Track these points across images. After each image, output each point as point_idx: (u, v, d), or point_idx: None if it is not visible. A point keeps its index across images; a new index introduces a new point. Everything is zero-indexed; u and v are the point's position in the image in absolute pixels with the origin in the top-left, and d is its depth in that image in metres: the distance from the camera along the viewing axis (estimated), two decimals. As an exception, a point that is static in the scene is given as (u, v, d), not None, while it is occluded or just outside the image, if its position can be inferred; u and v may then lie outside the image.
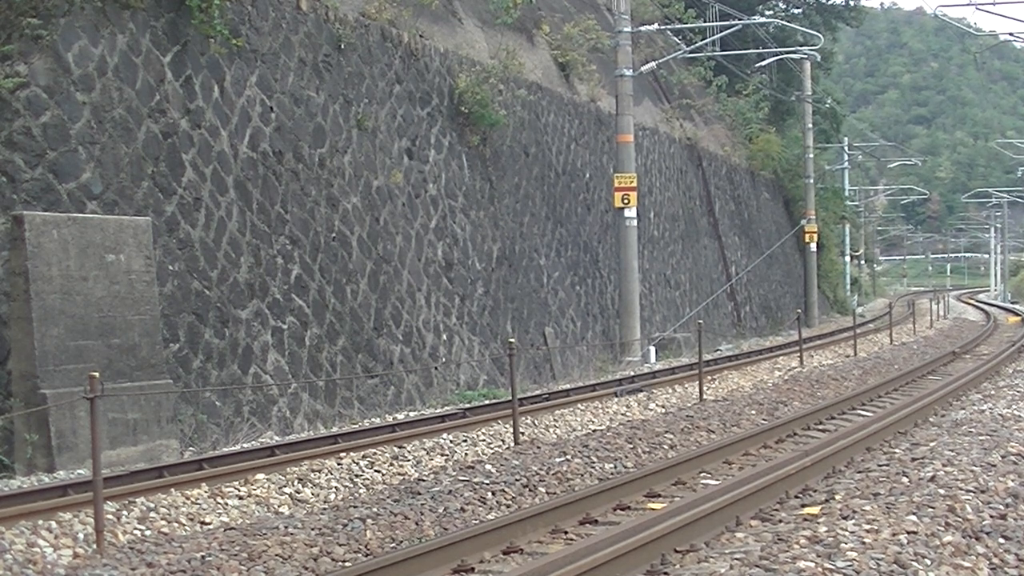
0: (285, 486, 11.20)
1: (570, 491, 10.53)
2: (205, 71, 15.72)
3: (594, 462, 11.93)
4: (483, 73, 22.93)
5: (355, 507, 9.71)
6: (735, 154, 43.33)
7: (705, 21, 37.03)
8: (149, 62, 14.73)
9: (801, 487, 10.12)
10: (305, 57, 17.95)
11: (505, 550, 8.35)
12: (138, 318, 13.08)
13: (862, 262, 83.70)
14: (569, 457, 11.97)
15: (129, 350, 12.92)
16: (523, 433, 14.36)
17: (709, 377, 21.78)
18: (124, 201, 13.85)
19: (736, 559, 7.17)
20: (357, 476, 11.86)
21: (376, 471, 12.13)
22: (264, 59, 16.98)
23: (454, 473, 11.23)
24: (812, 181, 46.12)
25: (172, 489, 10.61)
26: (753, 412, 16.23)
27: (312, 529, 8.76)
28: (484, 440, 14.15)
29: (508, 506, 10.09)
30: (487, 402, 17.82)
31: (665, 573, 7.40)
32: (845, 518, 7.99)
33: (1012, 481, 9.21)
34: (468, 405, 17.29)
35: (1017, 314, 49.44)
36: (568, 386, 20.97)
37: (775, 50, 41.74)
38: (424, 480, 11.04)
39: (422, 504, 9.69)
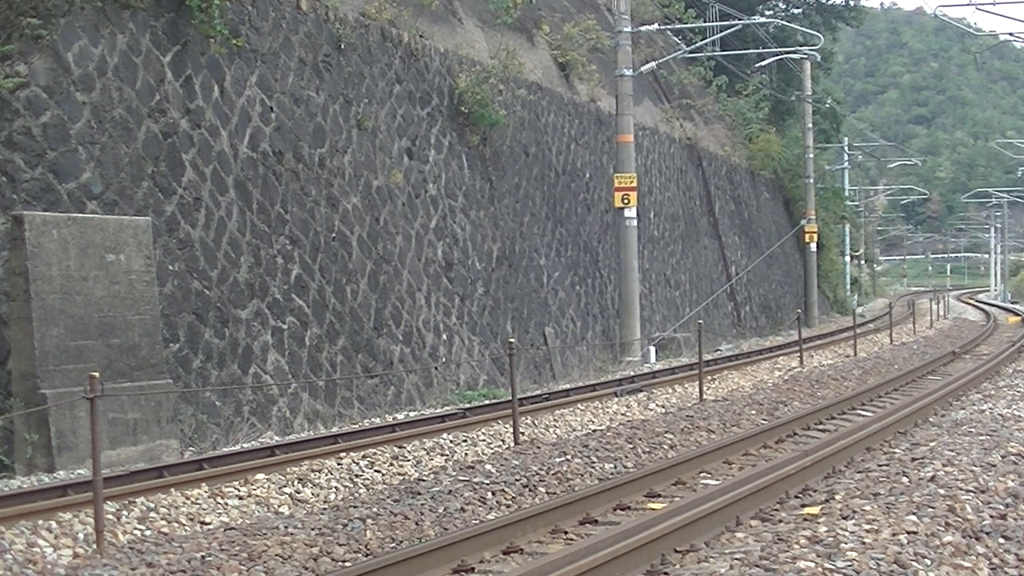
0: (285, 486, 11.20)
1: (570, 491, 10.53)
2: (205, 71, 15.72)
3: (594, 462, 11.93)
4: (483, 73, 22.93)
5: (355, 507, 9.71)
6: (735, 154, 43.33)
7: (705, 21, 37.02)
8: (149, 62, 14.73)
9: (801, 487, 10.12)
10: (305, 57, 17.96)
11: (505, 550, 8.35)
12: (138, 318, 13.08)
13: (862, 262, 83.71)
14: (569, 457, 11.97)
15: (129, 350, 12.92)
16: (523, 433, 14.36)
17: (709, 377, 21.78)
18: (124, 201, 13.86)
19: (736, 559, 7.17)
20: (357, 476, 11.86)
21: (376, 471, 12.13)
22: (264, 59, 16.98)
23: (454, 473, 11.23)
24: (812, 181, 46.13)
25: (172, 489, 10.60)
26: (753, 412, 16.23)
27: (312, 529, 8.76)
28: (484, 440, 14.15)
29: (508, 506, 10.09)
30: (487, 402, 17.82)
31: (665, 573, 7.40)
32: (845, 518, 7.99)
33: (1012, 481, 9.21)
34: (468, 405, 17.29)
35: (1017, 314, 49.44)
36: (568, 386, 20.96)
37: (775, 50, 41.74)
38: (424, 480, 11.03)
39: (422, 504, 9.69)
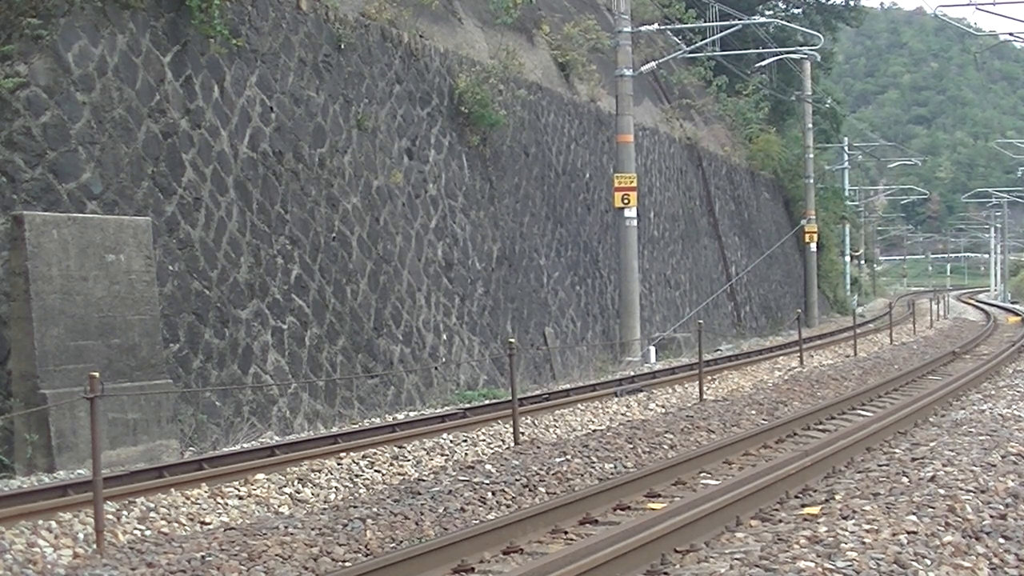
0: (285, 486, 11.19)
1: (570, 491, 10.53)
2: (205, 71, 15.72)
3: (594, 462, 11.93)
4: (483, 73, 22.93)
5: (355, 507, 9.72)
6: (735, 154, 43.33)
7: (705, 21, 37.02)
8: (149, 62, 14.73)
9: (801, 487, 10.12)
10: (305, 57, 17.96)
11: (505, 550, 8.35)
12: (138, 318, 13.08)
13: (862, 262, 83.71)
14: (569, 457, 11.97)
15: (129, 350, 12.92)
16: (523, 433, 14.36)
17: (709, 377, 21.78)
18: (124, 201, 13.86)
19: (736, 559, 7.17)
20: (357, 476, 11.86)
21: (376, 471, 12.13)
22: (264, 59, 16.98)
23: (454, 473, 11.23)
24: (812, 181, 46.13)
25: (172, 489, 10.60)
26: (753, 412, 16.23)
27: (312, 529, 8.76)
28: (484, 440, 14.15)
29: (508, 506, 10.09)
30: (487, 402, 17.82)
31: (665, 573, 7.40)
32: (845, 518, 7.99)
33: (1012, 481, 9.21)
34: (468, 405, 17.29)
35: (1017, 314, 49.44)
36: (568, 386, 20.97)
37: (775, 50, 41.74)
38: (424, 480, 11.04)
39: (422, 504, 9.69)
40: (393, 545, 8.58)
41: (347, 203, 18.36)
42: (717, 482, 10.57)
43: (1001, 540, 7.63)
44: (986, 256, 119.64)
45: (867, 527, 7.60)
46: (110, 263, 12.82)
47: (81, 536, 9.03)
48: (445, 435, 14.21)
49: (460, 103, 22.33)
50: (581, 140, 28.60)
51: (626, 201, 25.99)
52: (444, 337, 20.40)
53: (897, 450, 11.38)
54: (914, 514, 7.97)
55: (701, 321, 23.03)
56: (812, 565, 6.70)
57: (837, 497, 8.94)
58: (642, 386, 20.17)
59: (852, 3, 57.79)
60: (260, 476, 11.38)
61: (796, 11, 55.41)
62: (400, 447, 13.32)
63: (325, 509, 9.92)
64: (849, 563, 6.74)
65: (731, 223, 41.36)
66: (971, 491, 8.76)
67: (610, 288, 28.28)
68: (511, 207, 24.04)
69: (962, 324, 45.51)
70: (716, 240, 39.06)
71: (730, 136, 43.86)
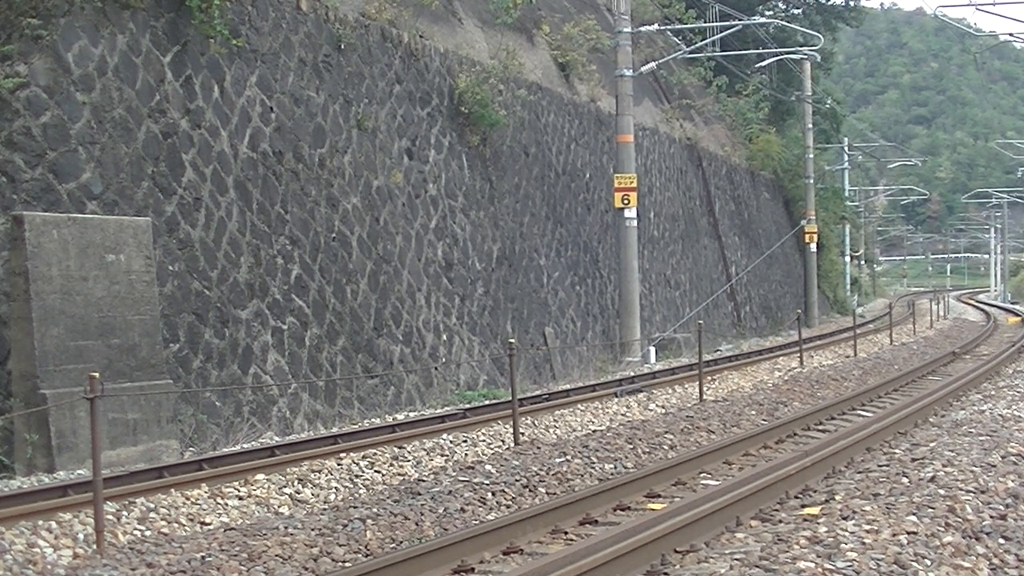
0: (285, 486, 11.19)
1: (570, 491, 10.53)
2: (205, 71, 15.72)
3: (594, 462, 11.93)
4: (483, 73, 22.93)
5: (355, 507, 9.72)
6: (735, 154, 43.33)
7: (705, 21, 37.03)
8: (149, 62, 14.73)
9: (801, 487, 10.12)
10: (305, 57, 17.96)
11: (505, 550, 8.35)
12: (138, 318, 13.08)
13: (862, 262, 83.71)
14: (569, 457, 11.97)
15: (129, 350, 12.92)
16: (523, 433, 14.36)
17: (709, 377, 21.78)
18: (124, 201, 13.86)
19: (736, 559, 7.17)
20: (357, 476, 11.86)
21: (376, 471, 12.13)
22: (264, 59, 16.98)
23: (454, 473, 11.23)
24: (812, 181, 46.13)
25: (172, 489, 10.60)
26: (753, 412, 16.23)
27: (312, 529, 8.76)
28: (484, 440, 14.15)
29: (508, 506, 10.09)
30: (487, 402, 17.82)
31: (665, 573, 7.40)
32: (845, 518, 7.99)
33: (1012, 481, 9.21)
34: (468, 405, 17.29)
35: (1017, 314, 49.44)
36: (568, 386, 20.96)
37: (775, 50, 41.74)
38: (424, 480, 11.03)
39: (422, 504, 9.69)
40: (393, 545, 8.58)
41: (347, 203, 18.36)
42: (717, 482, 10.57)
43: (1001, 540, 7.63)
44: (986, 256, 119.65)
45: (867, 527, 7.60)
46: (110, 263, 12.82)
47: (81, 536, 9.03)
48: (445, 435, 14.21)
49: (460, 103, 22.33)
50: (581, 140, 28.61)
51: (626, 201, 25.99)
52: (444, 337, 20.40)
53: (897, 450, 11.38)
54: (914, 514, 7.97)
55: (701, 321, 23.03)
56: (812, 565, 6.70)
57: (837, 497, 8.94)
58: (642, 386, 20.16)
59: (852, 3, 57.83)
60: (260, 476, 11.38)
61: (796, 11, 55.41)
62: (400, 447, 13.32)
63: (325, 509, 9.92)
64: (849, 563, 6.74)
65: (731, 223, 41.36)
66: (971, 491, 8.76)
67: (610, 288, 28.28)
68: (511, 207, 24.04)
69: (962, 324, 45.52)
70: (716, 240, 39.06)
71: (730, 136, 43.86)
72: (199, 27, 15.43)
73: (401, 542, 8.66)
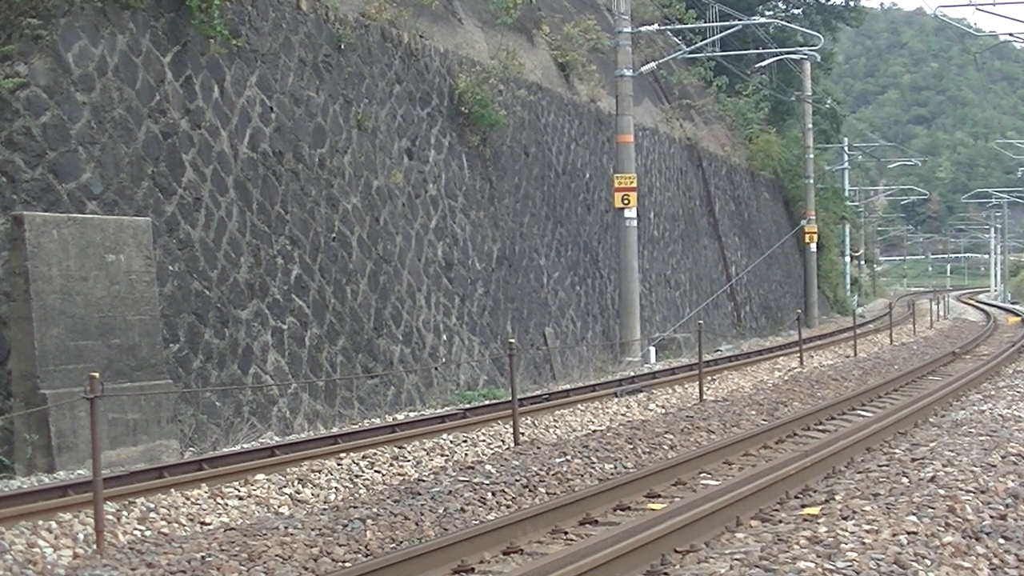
0: (285, 486, 11.19)
1: (570, 491, 10.53)
2: (205, 71, 15.72)
3: (594, 462, 11.93)
4: (483, 73, 22.93)
5: (355, 507, 9.72)
6: (735, 154, 43.34)
7: (705, 21, 37.03)
8: (149, 62, 14.73)
9: (801, 487, 10.12)
10: (305, 57, 17.96)
11: (505, 550, 8.35)
12: (138, 318, 13.08)
13: (862, 262, 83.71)
14: (569, 457, 11.97)
15: (129, 350, 12.92)
16: (523, 433, 14.36)
17: (709, 377, 21.78)
18: (124, 201, 13.86)
19: (736, 559, 7.17)
20: (357, 476, 11.86)
21: (376, 471, 12.13)
22: (264, 59, 16.98)
23: (454, 473, 11.23)
24: (812, 181, 46.14)
25: (172, 489, 10.60)
26: (753, 412, 16.23)
27: (312, 529, 8.76)
28: (484, 440, 14.15)
29: (508, 506, 10.09)
30: (487, 402, 17.82)
31: (665, 573, 7.40)
32: (845, 518, 7.99)
33: (1012, 481, 9.21)
34: (468, 405, 17.29)
35: (1017, 314, 49.44)
36: (568, 386, 20.97)
37: (775, 50, 41.74)
38: (424, 480, 11.04)
39: (422, 504, 9.69)
40: (393, 545, 8.58)
41: (347, 203, 18.36)
42: (717, 482, 10.57)
43: (1001, 540, 7.63)
44: (986, 256, 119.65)
45: (867, 527, 7.60)
46: (110, 263, 12.82)
47: (81, 536, 9.03)
48: (445, 435, 14.21)
49: (460, 103, 22.33)
50: (581, 140, 28.61)
51: (626, 201, 25.99)
52: (444, 337, 20.40)
53: (897, 450, 11.38)
54: (914, 514, 7.97)
55: (701, 321, 23.04)
56: (812, 565, 6.70)
57: (837, 497, 8.94)
58: (642, 386, 20.17)
59: (852, 3, 57.83)
60: (260, 476, 11.38)
61: (796, 11, 55.42)
62: (400, 447, 13.32)
63: (325, 509, 9.92)
64: (849, 563, 6.74)
65: (731, 223, 41.36)
66: (971, 491, 8.76)
67: (610, 288, 28.28)
68: (511, 207, 24.04)
69: (962, 324, 45.51)
70: (716, 240, 39.06)
71: (730, 136, 43.86)
72: (199, 27, 15.43)
73: (401, 542, 8.66)
